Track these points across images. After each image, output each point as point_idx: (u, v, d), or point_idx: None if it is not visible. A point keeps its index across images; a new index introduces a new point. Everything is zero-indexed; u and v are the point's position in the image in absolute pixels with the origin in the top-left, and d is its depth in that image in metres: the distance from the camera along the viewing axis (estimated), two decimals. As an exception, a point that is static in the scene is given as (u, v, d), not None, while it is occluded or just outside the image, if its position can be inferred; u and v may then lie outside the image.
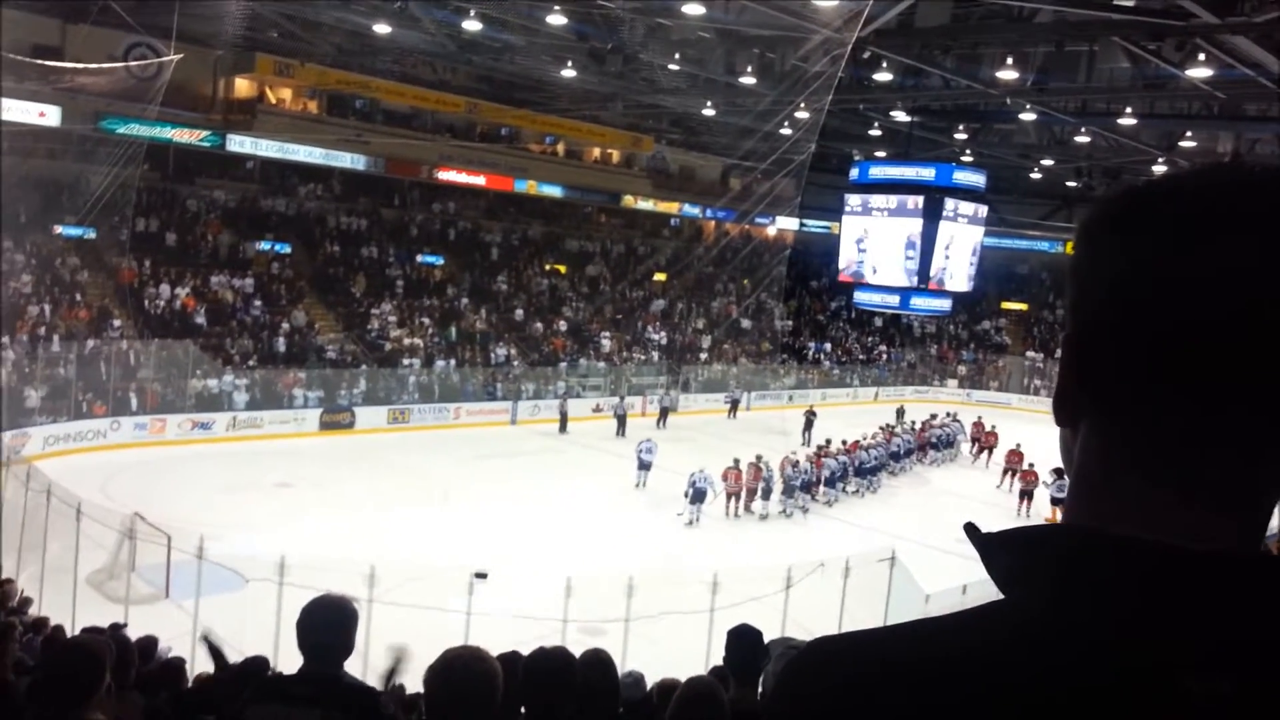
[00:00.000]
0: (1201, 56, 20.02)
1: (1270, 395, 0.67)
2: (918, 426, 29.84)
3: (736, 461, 21.93)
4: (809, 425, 30.03)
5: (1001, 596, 0.74)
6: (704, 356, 40.05)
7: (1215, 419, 0.68)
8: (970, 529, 0.79)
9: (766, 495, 21.96)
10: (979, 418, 31.23)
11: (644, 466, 23.51)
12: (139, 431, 24.78)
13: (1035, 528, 0.74)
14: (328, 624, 3.13)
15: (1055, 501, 22.44)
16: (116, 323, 27.53)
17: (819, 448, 24.61)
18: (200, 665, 7.37)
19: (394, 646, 6.47)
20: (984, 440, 29.81)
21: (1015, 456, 25.27)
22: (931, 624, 0.74)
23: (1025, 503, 23.72)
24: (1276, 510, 0.75)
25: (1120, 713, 0.64)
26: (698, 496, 20.94)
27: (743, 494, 21.98)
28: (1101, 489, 0.74)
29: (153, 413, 25.45)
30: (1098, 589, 0.68)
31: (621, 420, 30.66)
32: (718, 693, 3.65)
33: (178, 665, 6.55)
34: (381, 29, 26.37)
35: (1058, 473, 22.03)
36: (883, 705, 0.69)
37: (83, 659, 3.60)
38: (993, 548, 0.75)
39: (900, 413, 32.16)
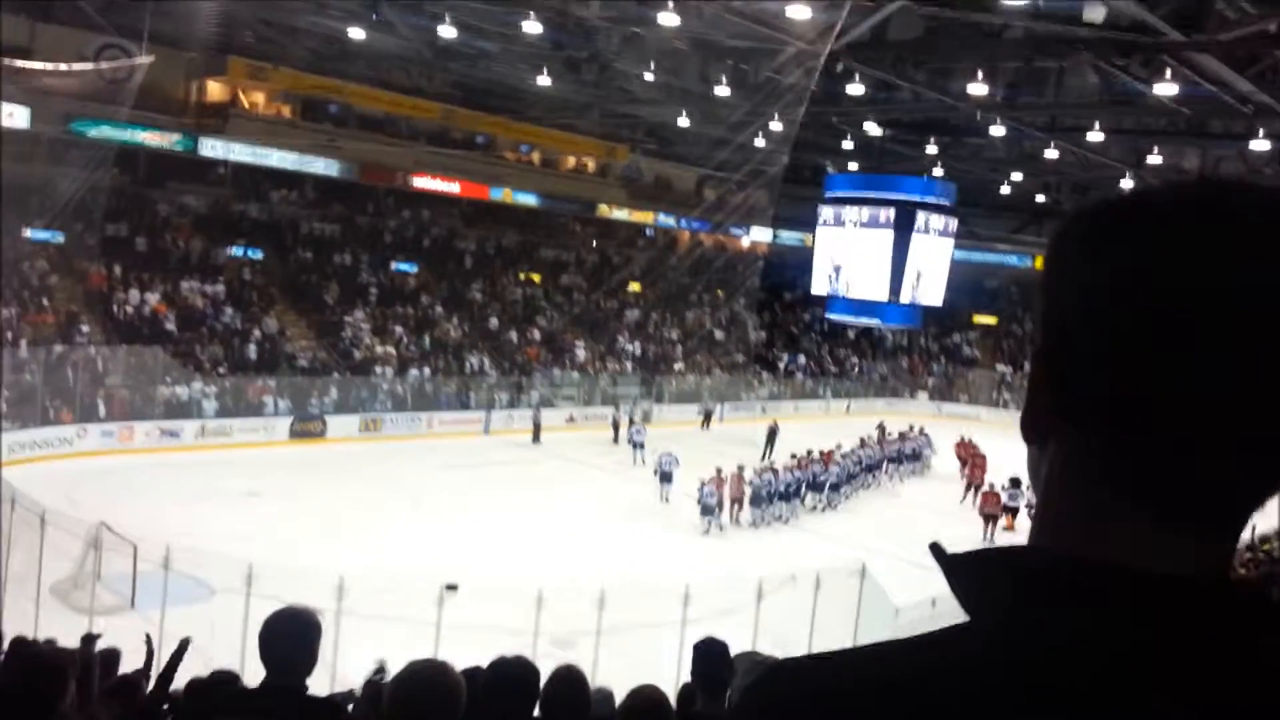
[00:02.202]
0: (1168, 74, 20.34)
1: (1240, 414, 0.66)
2: (878, 440, 29.60)
3: (719, 470, 22.03)
4: (771, 440, 29.89)
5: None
6: (678, 367, 40.10)
7: (1187, 438, 0.67)
8: (935, 549, 0.77)
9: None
10: (963, 437, 28.56)
11: (666, 480, 23.34)
12: (106, 439, 24.47)
13: (999, 549, 0.73)
14: (290, 636, 3.11)
15: (1009, 510, 22.62)
16: (85, 328, 27.20)
17: (794, 458, 24.62)
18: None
19: (378, 660, 6.43)
20: (973, 465, 26.37)
21: (992, 499, 23.06)
22: (894, 646, 0.74)
23: (990, 526, 22.66)
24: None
25: None
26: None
27: (727, 503, 22.02)
28: (1070, 509, 0.73)
29: (120, 420, 25.14)
30: (1058, 612, 0.67)
31: (616, 427, 31.05)
32: (663, 701, 3.65)
33: (134, 680, 6.46)
34: (356, 34, 26.29)
35: (1014, 482, 22.27)
36: None
37: (46, 671, 3.56)
38: (957, 568, 0.74)
39: (881, 428, 32.06)
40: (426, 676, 2.91)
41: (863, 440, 28.18)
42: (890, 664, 0.72)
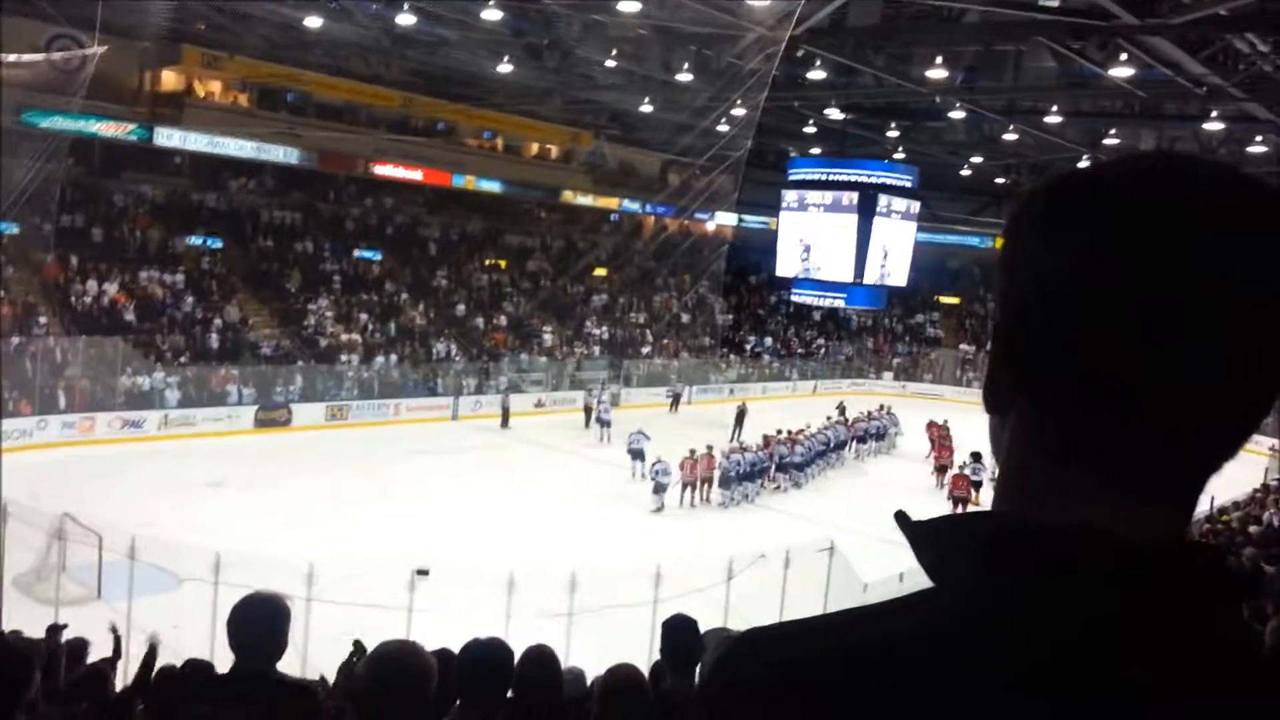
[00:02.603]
0: (1123, 57, 20.60)
1: (1196, 384, 0.67)
2: (840, 419, 29.82)
3: (692, 452, 22.22)
4: (740, 420, 30.11)
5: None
6: (646, 351, 40.17)
7: (1143, 408, 0.68)
8: (900, 517, 0.79)
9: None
10: (933, 420, 27.92)
11: (638, 457, 23.79)
12: (67, 431, 24.15)
13: (962, 515, 0.77)
14: (259, 621, 3.13)
15: (973, 484, 22.90)
16: (43, 320, 26.78)
17: (765, 438, 24.83)
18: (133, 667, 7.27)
19: (355, 639, 6.51)
20: (941, 447, 26.39)
21: (961, 481, 23.06)
22: (861, 613, 0.75)
23: (960, 510, 21.89)
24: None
25: (1036, 698, 0.65)
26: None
27: (698, 484, 22.31)
28: (1030, 477, 0.75)
29: (81, 411, 24.83)
30: (1019, 575, 0.69)
31: (588, 411, 31.01)
32: (640, 680, 3.71)
33: (103, 671, 6.44)
34: (313, 22, 25.97)
35: (975, 456, 22.59)
36: (808, 691, 0.71)
37: (11, 661, 3.56)
38: (922, 535, 0.76)
39: (842, 408, 32.30)
40: (398, 657, 2.94)
41: (830, 420, 28.47)
42: (858, 632, 0.73)
